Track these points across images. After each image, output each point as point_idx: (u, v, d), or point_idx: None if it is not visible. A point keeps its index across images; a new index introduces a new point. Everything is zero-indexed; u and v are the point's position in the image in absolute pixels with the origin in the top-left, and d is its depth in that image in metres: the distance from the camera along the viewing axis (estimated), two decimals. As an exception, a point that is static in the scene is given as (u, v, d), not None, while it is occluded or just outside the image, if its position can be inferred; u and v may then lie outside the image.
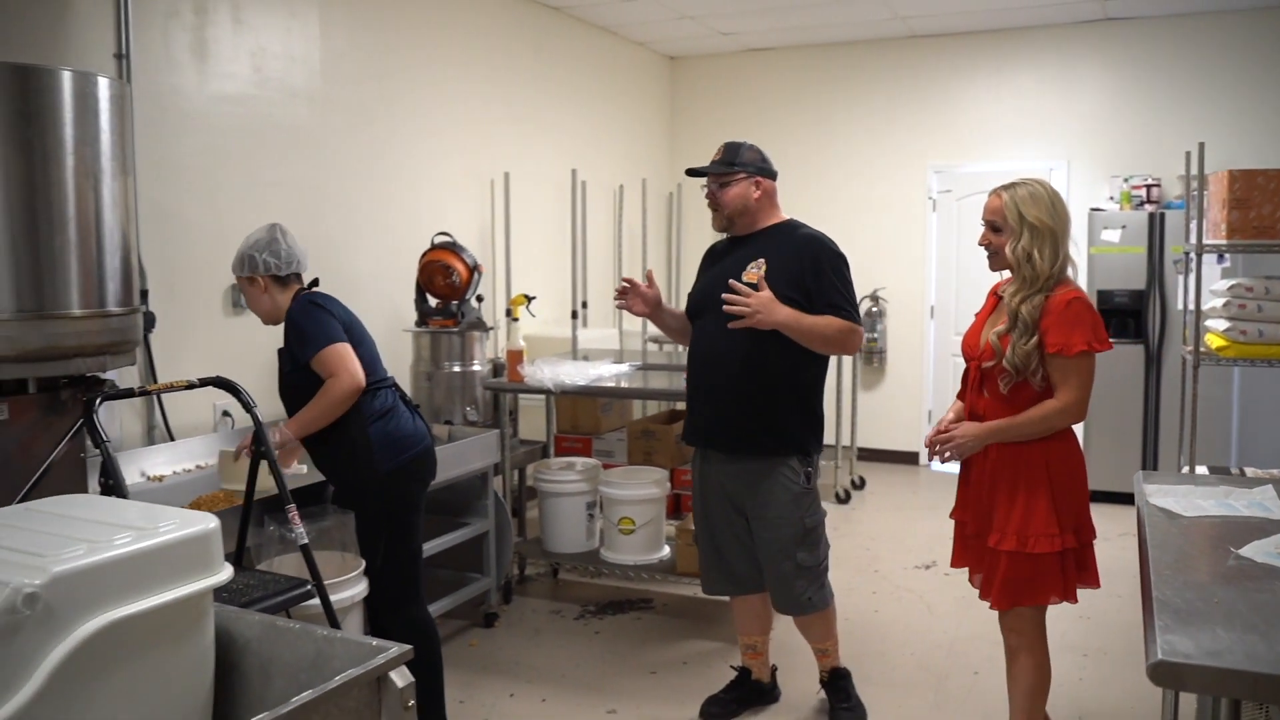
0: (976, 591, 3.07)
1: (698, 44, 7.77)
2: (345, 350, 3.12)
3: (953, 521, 3.16)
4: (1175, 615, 1.73)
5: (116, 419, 3.95)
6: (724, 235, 3.53)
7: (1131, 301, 6.37)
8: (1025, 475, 2.88)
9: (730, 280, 3.18)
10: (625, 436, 5.53)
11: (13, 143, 2.79)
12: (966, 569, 3.14)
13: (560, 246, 6.42)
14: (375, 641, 1.78)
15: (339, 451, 3.19)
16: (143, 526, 1.75)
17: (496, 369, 4.99)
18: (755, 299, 3.14)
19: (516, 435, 5.26)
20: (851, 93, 7.67)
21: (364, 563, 3.20)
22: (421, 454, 3.31)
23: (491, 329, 4.98)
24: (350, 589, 3.12)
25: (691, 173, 3.45)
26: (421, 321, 4.86)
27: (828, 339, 3.24)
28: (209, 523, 1.82)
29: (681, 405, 5.68)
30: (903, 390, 7.64)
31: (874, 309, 7.56)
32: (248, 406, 2.87)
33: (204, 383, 2.83)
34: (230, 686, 1.90)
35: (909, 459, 7.64)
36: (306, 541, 2.83)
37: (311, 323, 3.14)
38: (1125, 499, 6.00)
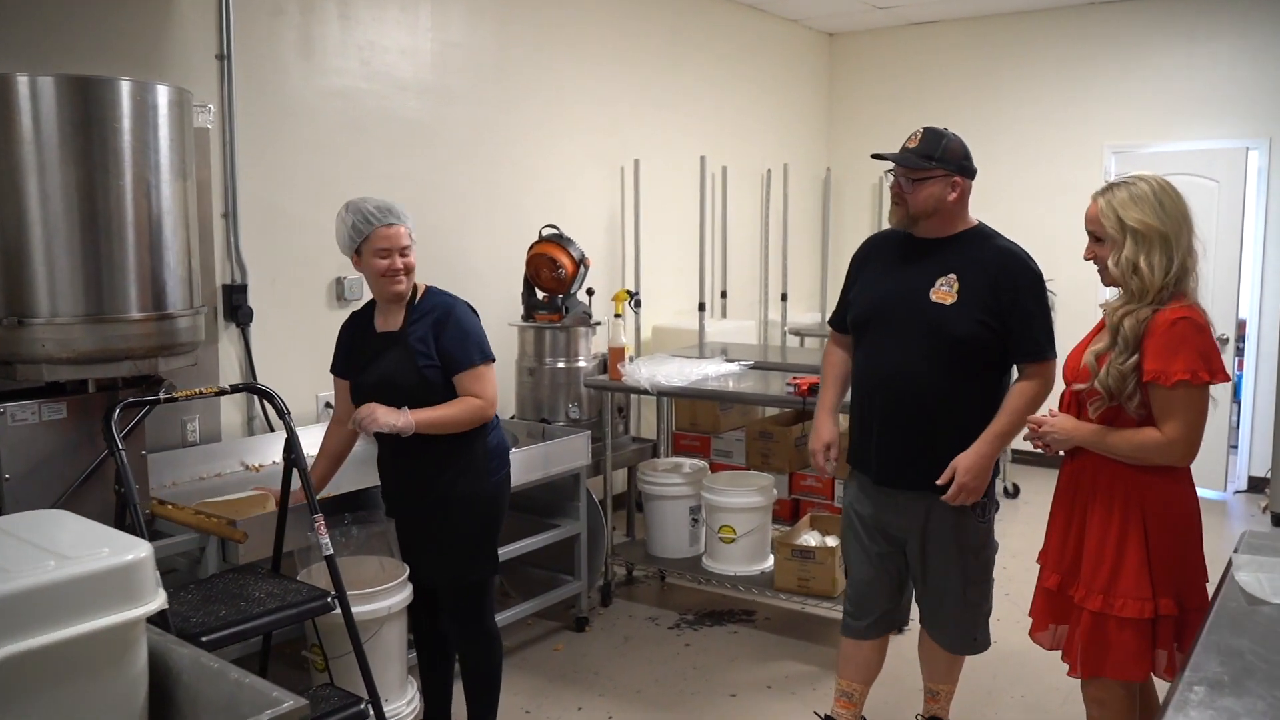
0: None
1: (855, 19, 7.36)
2: (494, 374, 3.04)
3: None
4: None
5: (217, 411, 4.09)
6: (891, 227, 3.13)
7: (1336, 300, 5.60)
8: (1118, 516, 2.50)
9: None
10: (744, 437, 5.31)
11: (71, 152, 2.85)
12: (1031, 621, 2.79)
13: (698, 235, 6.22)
14: (276, 692, 1.69)
15: (454, 461, 3.02)
16: (70, 554, 1.73)
17: (605, 365, 4.87)
18: (957, 487, 2.86)
19: (628, 433, 5.13)
20: (1021, 68, 7.08)
21: (406, 570, 3.14)
22: (510, 464, 3.23)
23: (597, 324, 4.85)
24: (389, 598, 3.07)
25: (879, 158, 2.97)
26: (528, 315, 4.79)
27: (1033, 405, 2.89)
28: (140, 551, 1.78)
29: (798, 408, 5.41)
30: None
31: (1041, 302, 6.98)
32: (281, 413, 2.86)
33: (235, 389, 2.84)
34: (167, 717, 1.87)
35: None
36: (332, 552, 2.79)
37: (477, 329, 3.04)
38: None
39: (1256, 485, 6.43)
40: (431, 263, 4.88)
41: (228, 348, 4.14)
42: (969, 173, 2.93)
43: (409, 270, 3.01)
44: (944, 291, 2.89)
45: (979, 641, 3.17)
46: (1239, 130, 6.37)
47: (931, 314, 2.89)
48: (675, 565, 4.64)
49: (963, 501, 2.90)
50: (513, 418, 4.84)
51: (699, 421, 5.49)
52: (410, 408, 2.92)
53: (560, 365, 4.71)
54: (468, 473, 3.03)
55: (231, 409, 4.15)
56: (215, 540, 3.04)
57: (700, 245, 5.92)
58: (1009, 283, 2.87)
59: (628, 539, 5.11)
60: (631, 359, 4.62)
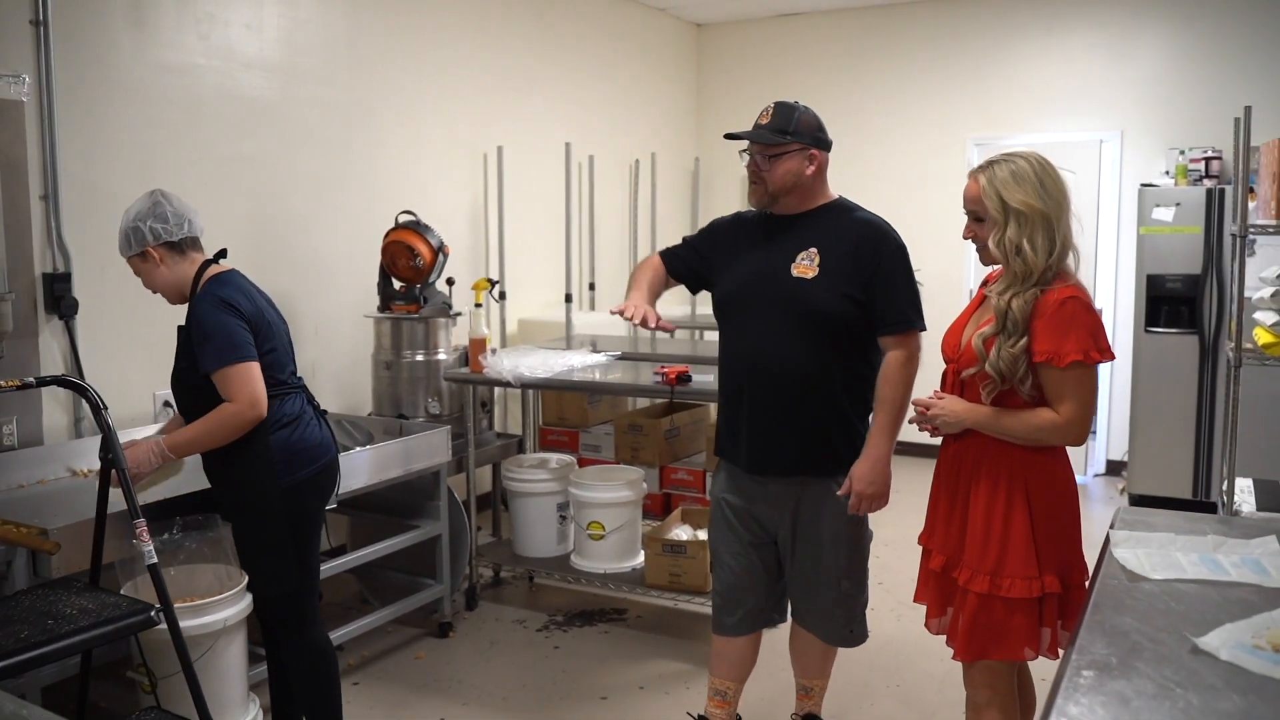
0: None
1: (724, 10, 7.30)
2: (251, 372, 2.71)
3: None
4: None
5: (38, 411, 3.73)
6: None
7: (1185, 288, 5.75)
8: (1003, 495, 2.46)
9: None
10: (613, 430, 5.16)
11: None
12: (925, 607, 2.72)
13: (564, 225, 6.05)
14: (58, 724, 1.46)
15: (233, 461, 2.80)
16: None
17: (466, 358, 4.66)
18: (857, 498, 2.79)
19: (492, 428, 4.93)
20: (886, 60, 7.13)
21: (246, 578, 2.89)
22: (326, 466, 2.95)
23: (458, 315, 4.64)
24: (223, 610, 2.81)
25: (733, 137, 2.86)
26: (384, 306, 4.54)
27: (909, 387, 2.83)
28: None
29: (663, 400, 5.26)
30: (935, 377, 7.11)
31: (908, 293, 7.03)
32: (97, 409, 2.57)
33: (41, 382, 2.54)
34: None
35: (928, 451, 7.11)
36: (156, 561, 2.52)
37: (219, 328, 2.72)
38: (1173, 505, 5.43)
39: (1114, 469, 6.61)
40: (277, 251, 4.60)
41: (49, 342, 3.79)
42: (825, 145, 2.86)
43: (157, 289, 2.93)
44: (804, 266, 2.80)
45: (855, 634, 3.07)
46: (1093, 123, 6.52)
47: (793, 290, 2.79)
48: (543, 565, 4.46)
49: (868, 510, 2.83)
50: (370, 414, 4.59)
51: (566, 416, 5.32)
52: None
53: (419, 358, 4.48)
54: (250, 474, 2.79)
55: (55, 409, 3.80)
56: (24, 552, 2.73)
57: (567, 235, 5.75)
58: (870, 252, 2.79)
59: (494, 539, 4.92)
60: (494, 351, 4.42)
